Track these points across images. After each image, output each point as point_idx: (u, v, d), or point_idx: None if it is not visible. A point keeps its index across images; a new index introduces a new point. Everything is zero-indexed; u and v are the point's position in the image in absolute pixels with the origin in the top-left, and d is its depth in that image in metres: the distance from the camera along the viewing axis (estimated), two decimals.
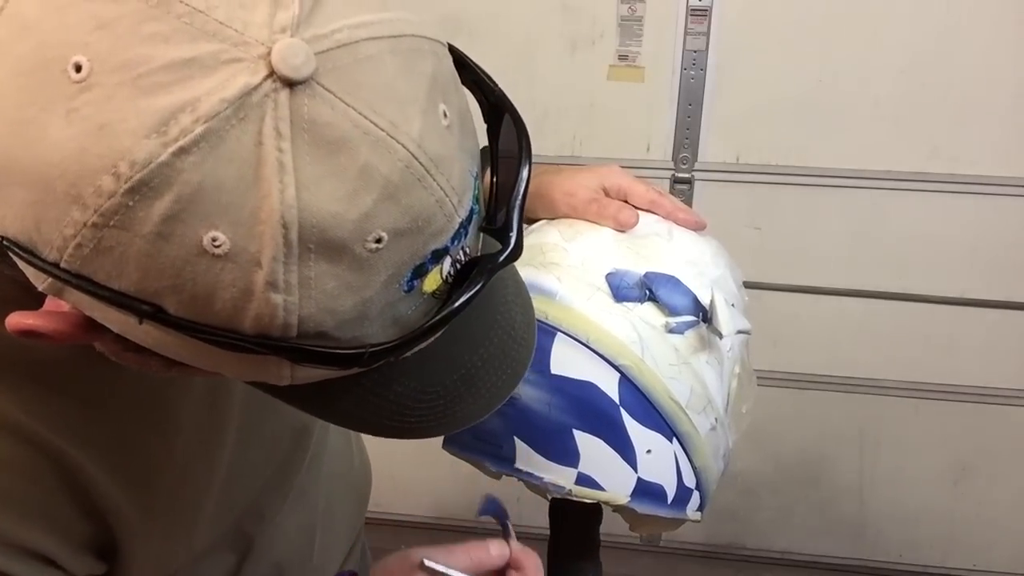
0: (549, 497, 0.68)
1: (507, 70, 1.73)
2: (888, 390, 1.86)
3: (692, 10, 1.63)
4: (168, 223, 0.32)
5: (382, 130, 0.33)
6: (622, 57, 1.68)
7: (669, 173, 1.73)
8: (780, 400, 1.88)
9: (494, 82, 0.43)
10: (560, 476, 0.65)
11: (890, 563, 2.02)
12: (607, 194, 0.73)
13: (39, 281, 0.35)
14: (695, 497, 0.69)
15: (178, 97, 0.31)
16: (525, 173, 0.41)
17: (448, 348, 0.42)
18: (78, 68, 0.31)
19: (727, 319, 0.70)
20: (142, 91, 0.31)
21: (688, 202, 1.75)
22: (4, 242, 0.34)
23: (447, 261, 0.38)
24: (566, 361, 0.65)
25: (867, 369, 1.84)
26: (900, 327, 1.80)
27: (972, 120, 1.63)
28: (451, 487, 2.07)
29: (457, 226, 0.37)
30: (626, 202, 0.73)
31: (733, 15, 1.63)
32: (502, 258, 0.39)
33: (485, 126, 0.43)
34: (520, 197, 0.41)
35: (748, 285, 0.72)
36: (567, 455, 0.64)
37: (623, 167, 0.75)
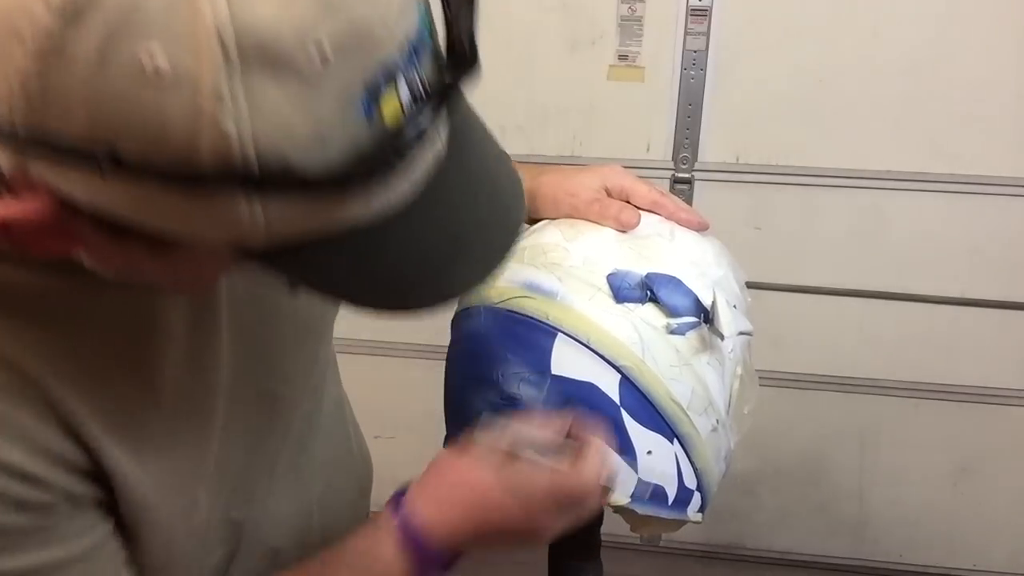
0: None
1: (507, 70, 1.73)
2: (888, 390, 1.86)
3: (692, 10, 1.63)
4: (103, 47, 0.32)
5: None
6: (622, 57, 1.68)
7: (669, 173, 1.73)
8: (780, 400, 1.88)
9: None
10: None
11: (890, 563, 2.02)
12: (609, 194, 0.73)
13: (5, 162, 0.36)
14: (696, 498, 0.69)
15: None
16: None
17: (434, 209, 0.42)
18: None
19: (728, 320, 0.70)
20: None
21: (688, 202, 1.74)
22: None
23: (403, 86, 0.37)
24: (567, 362, 0.65)
25: (867, 369, 1.84)
26: (900, 327, 1.80)
27: (972, 120, 1.63)
28: None
29: (403, 40, 0.37)
30: (628, 202, 0.73)
31: (733, 15, 1.63)
32: (461, 74, 0.39)
33: None
34: (473, 18, 0.40)
35: (748, 285, 0.72)
36: None
37: (624, 168, 0.75)
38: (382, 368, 2.00)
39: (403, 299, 0.43)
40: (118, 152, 0.33)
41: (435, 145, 0.41)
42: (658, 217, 0.73)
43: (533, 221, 0.78)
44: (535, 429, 0.61)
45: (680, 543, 2.10)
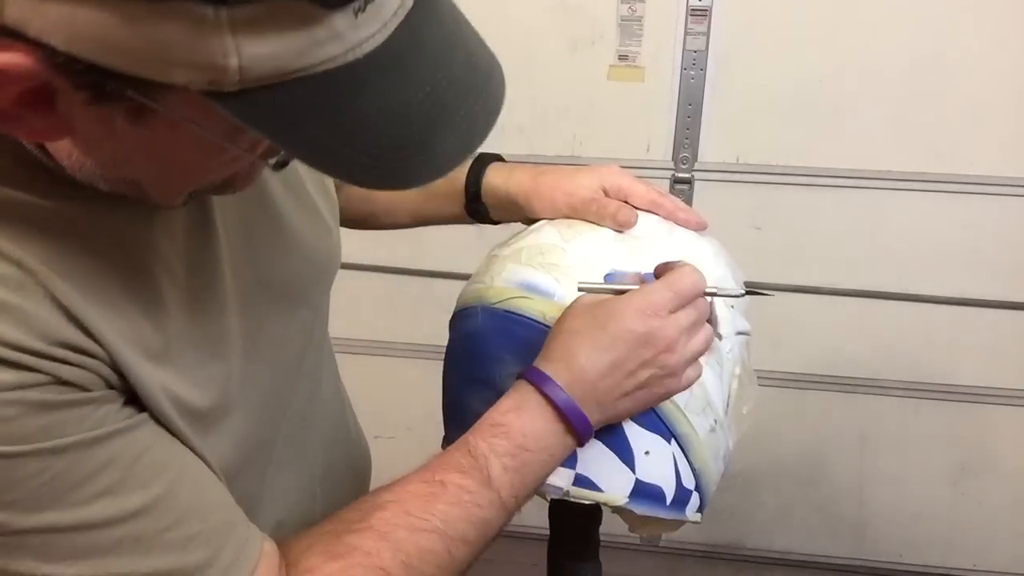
0: (548, 498, 0.68)
1: (507, 70, 1.73)
2: (888, 390, 1.86)
3: (692, 10, 1.62)
4: None
5: None
6: (622, 57, 1.68)
7: (669, 173, 1.73)
8: (780, 400, 1.88)
9: None
10: (558, 477, 0.65)
11: (890, 563, 2.02)
12: (607, 194, 0.73)
13: None
14: (694, 498, 0.69)
15: None
16: None
17: (407, 59, 0.41)
18: None
19: (727, 320, 0.70)
20: None
21: (688, 202, 1.74)
22: None
23: None
24: None
25: (867, 369, 1.84)
26: (900, 327, 1.80)
27: (972, 120, 1.63)
28: None
29: None
30: (626, 202, 0.73)
31: (733, 15, 1.63)
32: None
33: None
34: None
35: (748, 285, 0.72)
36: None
37: (623, 167, 0.75)
38: (382, 368, 2.00)
39: (389, 163, 0.42)
40: None
41: None
42: (656, 217, 0.73)
43: (531, 221, 0.78)
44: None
45: (680, 543, 2.10)
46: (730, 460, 0.73)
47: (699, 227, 0.74)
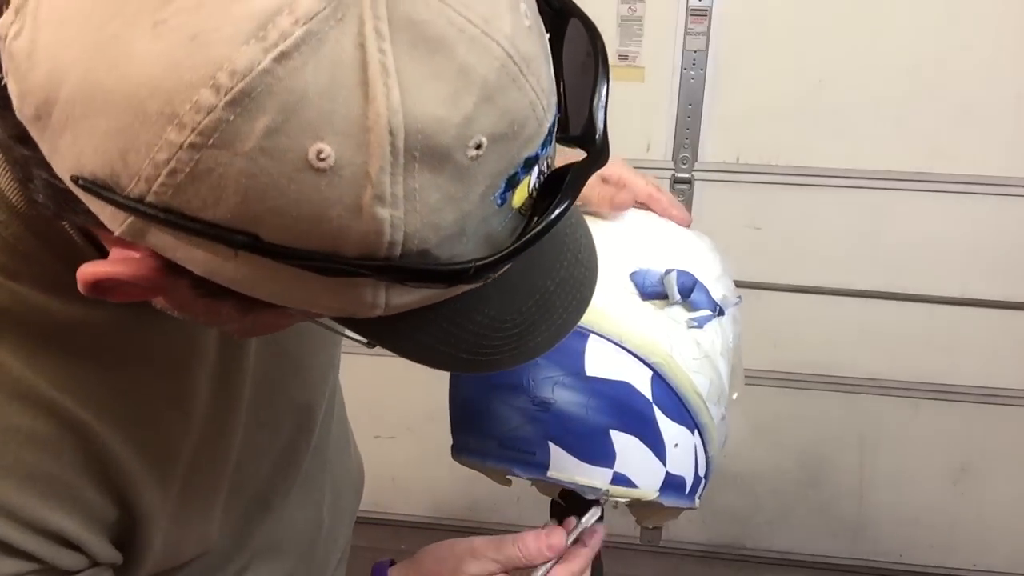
0: (589, 499, 0.68)
1: None
2: (888, 390, 1.86)
3: (692, 10, 1.62)
4: (271, 137, 0.29)
5: (476, 27, 0.32)
6: (622, 57, 1.68)
7: (669, 173, 1.73)
8: (780, 400, 1.88)
9: None
10: (595, 478, 0.65)
11: (890, 563, 2.02)
12: (606, 183, 0.74)
13: (116, 223, 0.33)
14: (702, 485, 0.70)
15: None
16: (603, 72, 0.38)
17: (525, 273, 0.41)
18: None
19: (727, 317, 0.71)
20: None
21: (688, 202, 1.75)
22: (80, 182, 0.32)
23: (535, 171, 0.36)
24: (601, 362, 0.65)
25: (867, 369, 1.84)
26: (900, 327, 1.80)
27: (972, 120, 1.63)
28: (450, 487, 2.07)
29: (547, 131, 0.36)
30: None
31: (733, 15, 1.62)
32: (592, 165, 0.37)
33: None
34: (603, 98, 0.38)
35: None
36: (604, 456, 0.65)
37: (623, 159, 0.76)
38: (382, 368, 1.99)
39: (477, 364, 0.43)
40: (260, 236, 0.32)
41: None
42: (653, 214, 0.74)
43: None
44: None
45: (680, 543, 2.10)
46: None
47: (687, 226, 0.75)
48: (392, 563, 0.63)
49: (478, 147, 0.32)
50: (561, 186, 0.36)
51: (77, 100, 0.31)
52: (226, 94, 0.29)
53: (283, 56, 0.29)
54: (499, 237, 0.36)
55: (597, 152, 0.38)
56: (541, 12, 0.40)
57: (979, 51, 1.58)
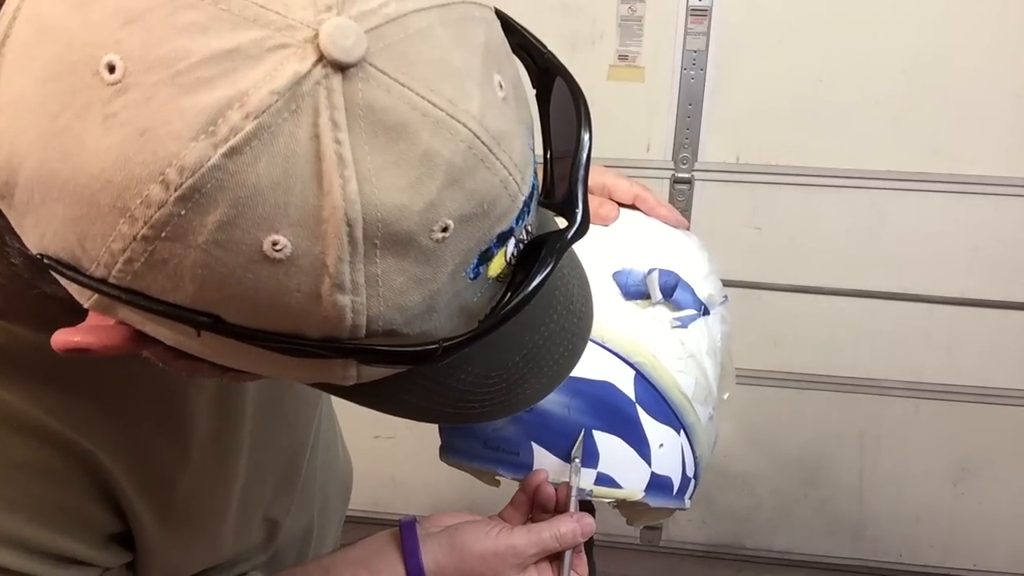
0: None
1: None
2: (888, 390, 1.86)
3: (692, 10, 1.62)
4: (224, 230, 0.29)
5: (441, 110, 0.31)
6: (622, 57, 1.68)
7: (669, 173, 1.73)
8: (780, 400, 1.88)
9: (543, 45, 0.41)
10: (581, 478, 0.65)
11: (890, 563, 2.02)
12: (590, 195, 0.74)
13: (84, 298, 0.33)
14: (691, 486, 0.70)
15: (223, 93, 0.28)
16: (586, 139, 0.38)
17: (510, 330, 0.39)
18: (111, 68, 0.28)
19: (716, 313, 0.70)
20: (183, 89, 0.28)
21: (688, 202, 1.75)
22: (45, 260, 0.32)
23: (511, 243, 0.35)
24: (583, 362, 0.65)
25: (867, 369, 1.84)
26: (900, 327, 1.80)
27: (972, 120, 1.63)
28: (450, 487, 2.07)
29: (521, 205, 0.35)
30: (610, 198, 0.73)
31: (733, 15, 1.63)
32: (570, 235, 0.37)
33: (534, 92, 0.41)
34: (583, 167, 0.38)
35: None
36: (587, 456, 0.65)
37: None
38: None
39: (467, 417, 0.42)
40: (222, 318, 0.31)
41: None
42: (640, 214, 0.74)
43: None
44: None
45: (680, 543, 2.10)
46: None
47: (678, 225, 0.75)
48: (415, 521, 0.62)
49: (444, 230, 0.32)
50: (539, 255, 0.36)
51: (35, 186, 0.30)
52: (175, 190, 0.28)
53: (233, 151, 0.28)
54: (475, 308, 0.36)
55: (576, 222, 0.37)
56: (528, 68, 0.39)
57: (979, 51, 1.58)
